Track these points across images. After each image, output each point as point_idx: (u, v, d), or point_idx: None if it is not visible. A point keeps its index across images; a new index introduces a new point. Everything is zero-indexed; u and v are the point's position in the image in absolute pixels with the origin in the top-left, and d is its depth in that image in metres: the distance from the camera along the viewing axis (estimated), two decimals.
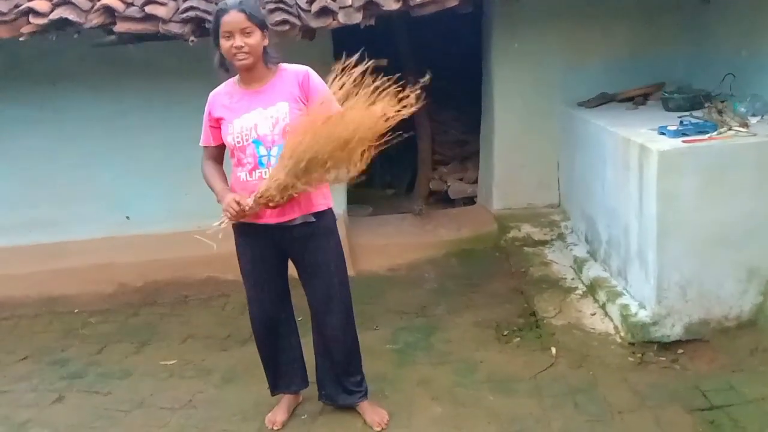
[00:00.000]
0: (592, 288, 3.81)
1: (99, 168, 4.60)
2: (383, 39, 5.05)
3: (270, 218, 2.60)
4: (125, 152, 4.58)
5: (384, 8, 3.69)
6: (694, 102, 3.87)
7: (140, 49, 3.99)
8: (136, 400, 3.19)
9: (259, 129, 2.54)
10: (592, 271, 3.92)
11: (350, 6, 3.71)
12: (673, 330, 3.26)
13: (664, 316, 3.26)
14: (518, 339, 3.49)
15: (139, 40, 3.80)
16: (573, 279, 4.01)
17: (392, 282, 4.21)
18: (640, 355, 3.24)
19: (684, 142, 3.22)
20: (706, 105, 3.73)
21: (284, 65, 2.64)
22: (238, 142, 2.56)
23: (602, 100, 4.47)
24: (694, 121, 3.48)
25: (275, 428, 2.89)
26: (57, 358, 3.63)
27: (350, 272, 3.11)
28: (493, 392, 3.05)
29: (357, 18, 3.70)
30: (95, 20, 3.64)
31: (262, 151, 2.55)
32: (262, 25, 2.53)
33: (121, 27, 3.64)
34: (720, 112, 3.53)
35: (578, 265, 4.08)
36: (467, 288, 4.10)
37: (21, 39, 3.69)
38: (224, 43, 2.49)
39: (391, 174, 5.94)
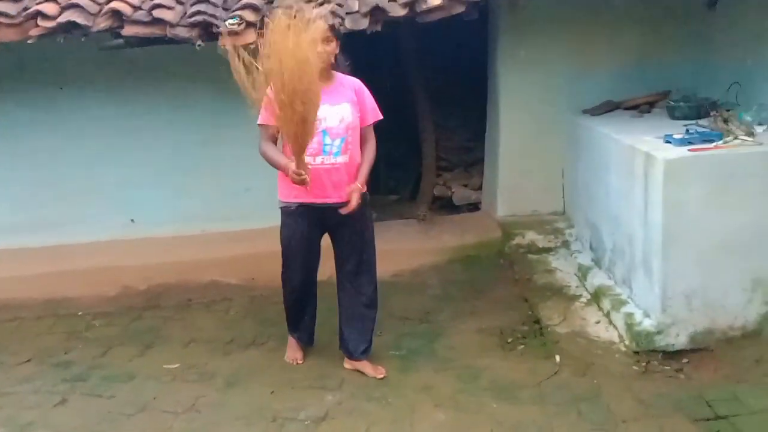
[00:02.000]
0: (596, 296, 3.80)
1: (104, 170, 4.61)
2: (389, 45, 5.07)
3: (329, 199, 3.07)
4: (131, 155, 4.59)
5: (390, 14, 3.71)
6: (699, 111, 3.87)
7: (147, 52, 4.01)
8: (139, 403, 3.18)
9: (327, 121, 2.99)
10: (597, 278, 3.91)
11: (357, 12, 3.72)
12: (677, 339, 3.25)
13: (668, 325, 3.25)
14: (522, 346, 3.48)
15: (146, 44, 3.83)
16: (577, 287, 4.00)
17: (396, 288, 4.19)
18: (644, 364, 3.23)
19: (690, 150, 3.22)
20: (711, 114, 3.73)
21: (338, 73, 3.10)
22: None
23: (607, 108, 4.47)
24: (700, 129, 3.48)
25: (299, 363, 3.37)
26: (60, 361, 3.63)
27: None
28: (496, 399, 3.04)
29: (363, 24, 3.72)
30: (103, 24, 3.67)
31: (327, 140, 3.02)
32: (338, 36, 3.04)
33: (128, 30, 3.68)
34: (726, 121, 3.52)
35: (582, 272, 4.08)
36: (471, 294, 4.09)
37: (29, 41, 3.71)
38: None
39: (395, 180, 5.94)
